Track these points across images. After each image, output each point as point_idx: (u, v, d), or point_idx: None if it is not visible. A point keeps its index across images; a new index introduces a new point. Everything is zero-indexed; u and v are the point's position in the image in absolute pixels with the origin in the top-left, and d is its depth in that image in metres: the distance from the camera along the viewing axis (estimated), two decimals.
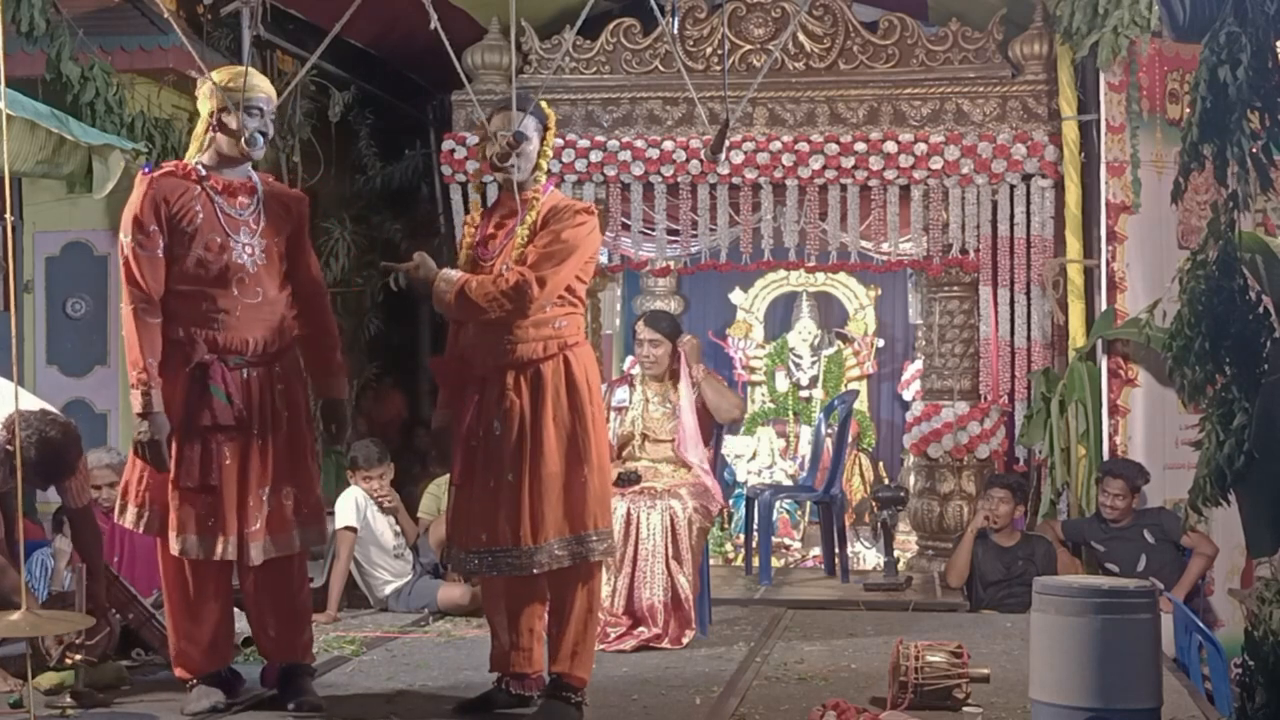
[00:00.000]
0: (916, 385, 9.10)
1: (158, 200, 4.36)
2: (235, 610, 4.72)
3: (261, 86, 4.51)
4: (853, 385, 10.05)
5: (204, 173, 4.45)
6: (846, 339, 10.28)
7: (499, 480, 4.37)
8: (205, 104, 4.51)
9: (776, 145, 7.90)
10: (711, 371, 6.43)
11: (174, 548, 4.36)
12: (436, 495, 7.07)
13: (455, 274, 4.40)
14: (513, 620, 4.58)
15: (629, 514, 5.81)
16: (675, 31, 7.91)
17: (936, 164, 7.79)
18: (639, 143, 8.05)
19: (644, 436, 6.21)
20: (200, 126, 4.53)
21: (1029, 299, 7.79)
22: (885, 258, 8.10)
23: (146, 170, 4.47)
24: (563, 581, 4.45)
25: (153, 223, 4.34)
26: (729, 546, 8.77)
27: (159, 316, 4.35)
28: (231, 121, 4.44)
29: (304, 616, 4.72)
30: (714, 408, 6.18)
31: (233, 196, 4.48)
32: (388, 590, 6.75)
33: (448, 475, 4.68)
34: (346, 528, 6.63)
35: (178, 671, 4.58)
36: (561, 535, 4.36)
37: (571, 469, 4.38)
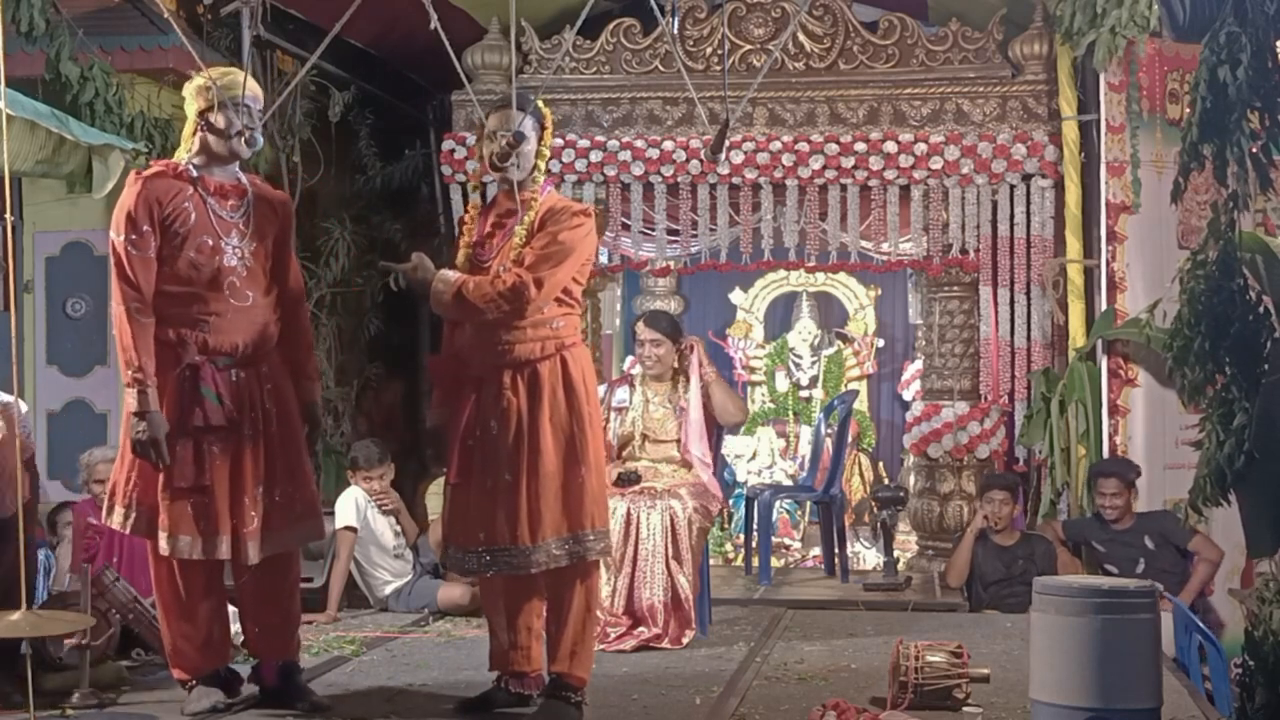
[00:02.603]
0: (916, 385, 9.10)
1: (150, 201, 4.34)
2: (230, 609, 4.72)
3: (248, 85, 4.48)
4: (853, 385, 10.05)
5: (195, 174, 4.44)
6: (846, 339, 10.28)
7: (496, 480, 4.37)
8: (191, 105, 4.48)
9: (776, 145, 7.90)
10: (719, 375, 6.43)
11: (164, 548, 4.34)
12: (440, 495, 7.06)
13: (453, 275, 4.40)
14: (511, 619, 4.58)
15: (629, 514, 5.81)
16: (675, 31, 7.91)
17: (936, 164, 7.79)
18: (639, 143, 8.05)
19: (644, 437, 6.21)
20: (188, 128, 4.51)
21: (1029, 299, 7.79)
22: (885, 258, 8.10)
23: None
24: (561, 581, 4.45)
25: (146, 223, 4.32)
26: (729, 546, 8.77)
27: (152, 317, 4.34)
28: (219, 120, 4.43)
29: (298, 614, 4.71)
30: (720, 409, 6.18)
31: (224, 199, 4.47)
32: (388, 590, 6.75)
33: None
34: (347, 528, 6.63)
35: (175, 672, 4.56)
36: (559, 534, 4.36)
37: (568, 469, 4.39)
